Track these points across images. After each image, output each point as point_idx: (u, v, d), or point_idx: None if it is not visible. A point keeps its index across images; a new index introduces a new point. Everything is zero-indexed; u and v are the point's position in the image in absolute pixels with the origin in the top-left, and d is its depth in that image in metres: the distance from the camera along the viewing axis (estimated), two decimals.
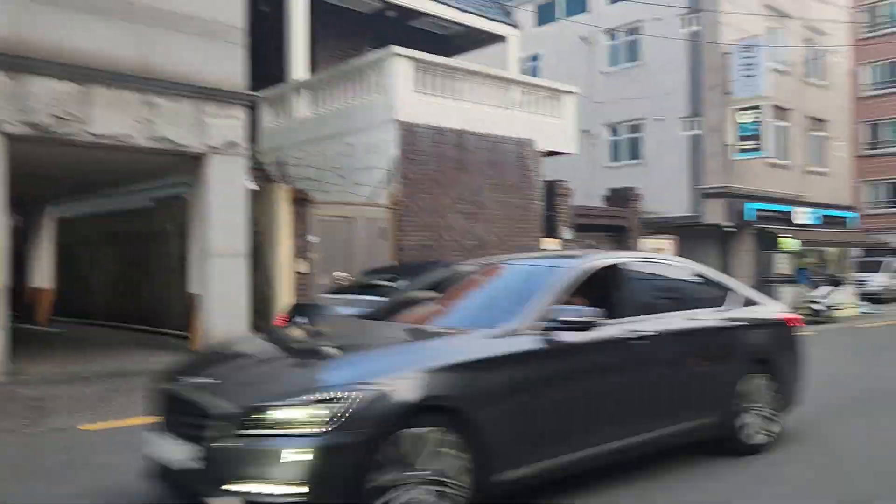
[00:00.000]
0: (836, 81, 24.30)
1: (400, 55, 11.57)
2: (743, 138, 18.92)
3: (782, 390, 5.38)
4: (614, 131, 22.14)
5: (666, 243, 16.38)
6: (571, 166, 22.40)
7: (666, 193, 20.31)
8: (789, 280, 20.26)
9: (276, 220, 10.23)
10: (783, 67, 21.32)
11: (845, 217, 24.75)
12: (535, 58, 23.98)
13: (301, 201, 10.38)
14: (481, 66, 13.21)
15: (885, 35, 32.54)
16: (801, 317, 5.41)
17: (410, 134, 11.68)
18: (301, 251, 10.40)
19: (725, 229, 19.61)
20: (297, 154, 12.40)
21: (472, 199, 12.59)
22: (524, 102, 13.70)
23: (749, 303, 5.47)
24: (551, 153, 14.21)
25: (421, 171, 11.82)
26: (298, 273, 10.34)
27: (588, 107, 21.84)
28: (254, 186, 9.82)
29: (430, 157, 11.94)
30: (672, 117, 20.42)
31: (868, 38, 32.75)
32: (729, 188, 19.43)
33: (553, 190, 14.14)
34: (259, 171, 10.77)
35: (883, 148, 32.88)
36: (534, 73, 23.18)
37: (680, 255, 18.39)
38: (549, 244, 13.94)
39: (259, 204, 10.11)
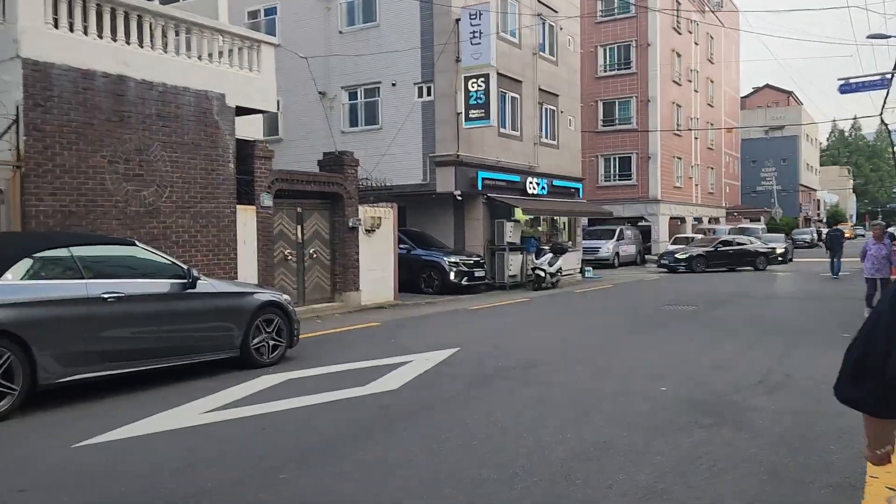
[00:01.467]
0: (567, 59, 25.41)
1: None
2: (471, 107, 18.84)
3: None
4: (352, 95, 21.14)
5: (385, 211, 15.71)
6: (308, 130, 21.13)
7: (403, 160, 19.82)
8: (518, 248, 20.84)
9: None
10: (514, 39, 21.68)
11: (577, 188, 26.25)
12: (270, 11, 22.19)
13: None
14: (150, 4, 11.29)
15: (616, 20, 35.14)
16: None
17: (44, 76, 9.53)
18: None
19: (459, 198, 19.55)
20: None
21: (138, 159, 10.74)
22: (212, 50, 12.06)
23: None
24: (246, 110, 12.70)
25: (61, 121, 9.73)
26: None
27: (326, 67, 20.64)
28: None
29: (73, 105, 9.88)
30: (407, 82, 19.88)
31: (603, 22, 35.18)
32: (461, 156, 19.33)
33: (250, 151, 12.68)
34: None
35: (615, 124, 35.68)
36: (270, 27, 21.41)
37: (405, 224, 18.04)
38: (246, 211, 12.54)
39: None
